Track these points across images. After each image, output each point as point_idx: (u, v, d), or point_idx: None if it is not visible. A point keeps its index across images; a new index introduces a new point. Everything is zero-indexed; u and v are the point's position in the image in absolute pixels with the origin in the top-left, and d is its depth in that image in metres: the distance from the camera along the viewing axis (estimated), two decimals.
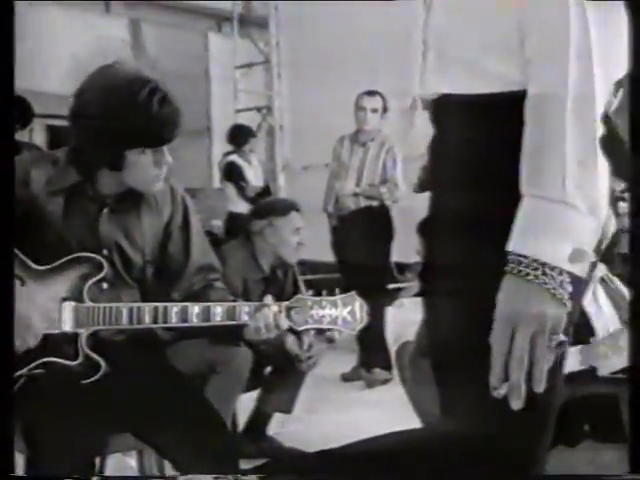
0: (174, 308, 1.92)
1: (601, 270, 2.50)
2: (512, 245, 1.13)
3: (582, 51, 1.12)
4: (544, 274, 1.10)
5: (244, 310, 1.92)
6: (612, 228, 1.20)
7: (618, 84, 1.18)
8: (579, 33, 1.12)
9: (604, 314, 2.53)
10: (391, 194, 4.90)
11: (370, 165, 4.96)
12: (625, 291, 2.55)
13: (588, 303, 2.44)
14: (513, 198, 1.15)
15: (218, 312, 1.92)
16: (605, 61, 1.13)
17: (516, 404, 1.12)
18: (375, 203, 4.91)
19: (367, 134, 4.98)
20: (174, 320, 1.91)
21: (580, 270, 1.13)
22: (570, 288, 1.12)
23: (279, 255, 3.35)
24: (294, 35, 8.05)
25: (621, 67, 1.18)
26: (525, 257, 1.11)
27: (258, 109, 8.66)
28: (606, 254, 1.26)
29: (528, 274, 1.11)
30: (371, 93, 4.95)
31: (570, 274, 1.12)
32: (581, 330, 2.39)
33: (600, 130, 1.12)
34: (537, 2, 1.15)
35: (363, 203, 4.92)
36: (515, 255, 1.12)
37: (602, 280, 2.57)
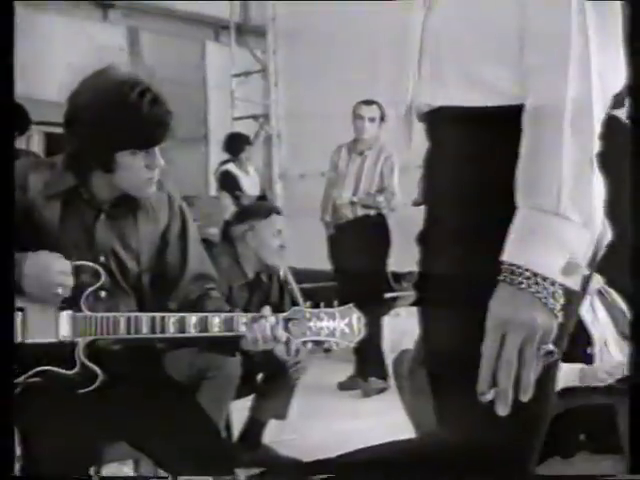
0: (171, 318, 1.91)
1: (598, 282, 2.51)
2: (506, 254, 1.13)
3: (582, 64, 1.12)
4: (536, 283, 1.11)
5: (241, 321, 1.92)
6: (608, 238, 1.19)
7: (620, 97, 1.19)
8: (580, 46, 1.12)
9: (601, 323, 2.54)
10: (388, 203, 4.90)
11: (367, 174, 4.97)
12: (622, 303, 2.56)
13: (585, 311, 2.45)
14: (509, 211, 1.15)
15: (216, 323, 1.91)
16: (604, 74, 1.13)
17: (502, 410, 1.12)
18: (372, 212, 4.92)
19: (365, 143, 4.98)
20: (171, 330, 1.91)
21: (573, 283, 1.13)
22: (562, 300, 1.12)
23: (262, 259, 3.35)
24: (291, 43, 8.05)
25: (619, 80, 1.19)
26: (518, 266, 1.12)
27: (255, 117, 8.64)
28: (602, 265, 1.25)
29: (521, 283, 1.11)
30: (369, 102, 4.96)
31: (563, 286, 1.12)
32: (578, 339, 2.40)
33: (597, 144, 1.12)
34: (538, 11, 1.15)
35: (360, 212, 4.93)
36: (508, 264, 1.13)
37: (599, 292, 2.57)
